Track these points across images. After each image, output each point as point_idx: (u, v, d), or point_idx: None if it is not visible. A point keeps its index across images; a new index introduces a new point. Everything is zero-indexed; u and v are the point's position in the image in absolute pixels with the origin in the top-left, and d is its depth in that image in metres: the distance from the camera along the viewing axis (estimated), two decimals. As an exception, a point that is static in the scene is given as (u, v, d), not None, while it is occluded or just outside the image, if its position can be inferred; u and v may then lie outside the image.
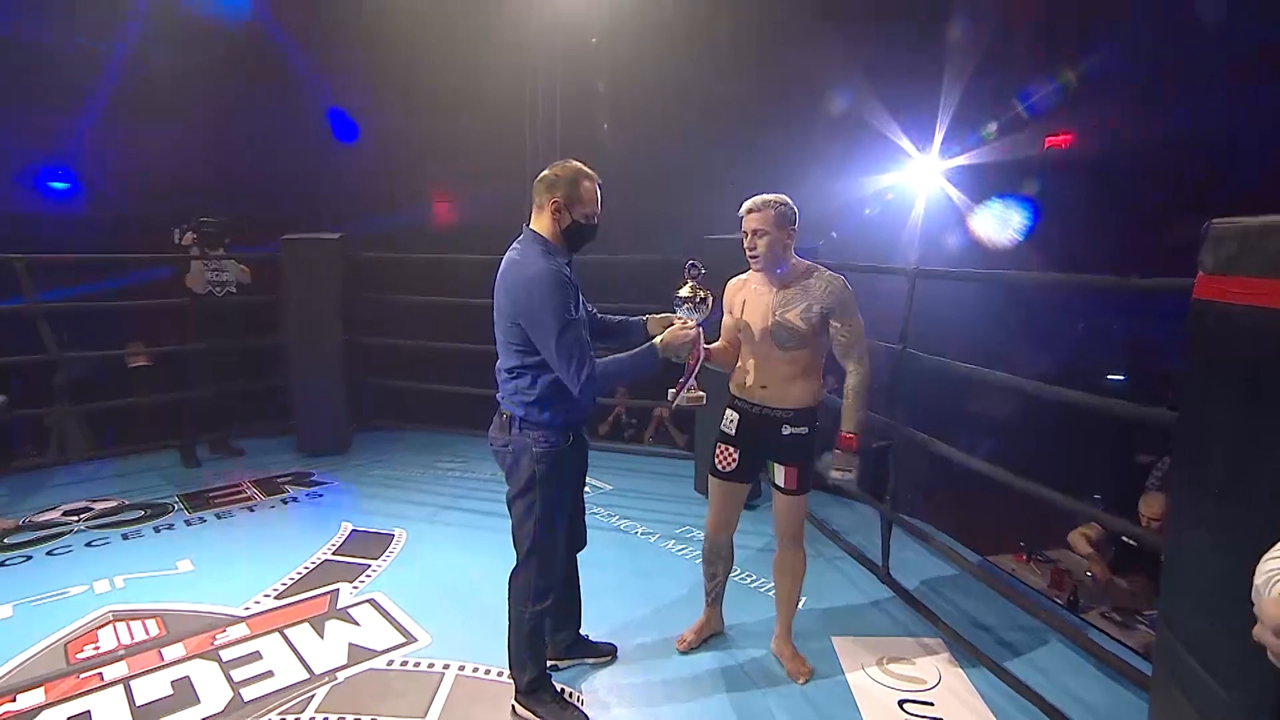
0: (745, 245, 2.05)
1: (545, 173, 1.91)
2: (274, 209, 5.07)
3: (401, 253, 5.03)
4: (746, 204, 2.05)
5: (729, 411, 2.22)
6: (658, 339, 1.94)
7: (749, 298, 2.15)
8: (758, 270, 2.10)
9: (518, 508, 1.95)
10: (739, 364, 2.19)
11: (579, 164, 1.91)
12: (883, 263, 3.50)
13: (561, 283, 1.79)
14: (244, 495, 3.80)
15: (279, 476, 4.10)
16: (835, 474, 2.04)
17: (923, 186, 5.33)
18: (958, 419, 4.47)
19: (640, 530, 3.40)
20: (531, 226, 1.91)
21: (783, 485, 2.13)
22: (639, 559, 3.08)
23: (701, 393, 2.02)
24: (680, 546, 3.23)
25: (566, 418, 1.92)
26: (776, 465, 2.13)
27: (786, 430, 2.09)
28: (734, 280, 2.23)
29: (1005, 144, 4.94)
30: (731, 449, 2.20)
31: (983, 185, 5.05)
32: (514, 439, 1.91)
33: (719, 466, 2.23)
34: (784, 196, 2.05)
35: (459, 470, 4.31)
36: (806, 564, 2.22)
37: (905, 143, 5.26)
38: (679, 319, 1.97)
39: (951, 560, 2.76)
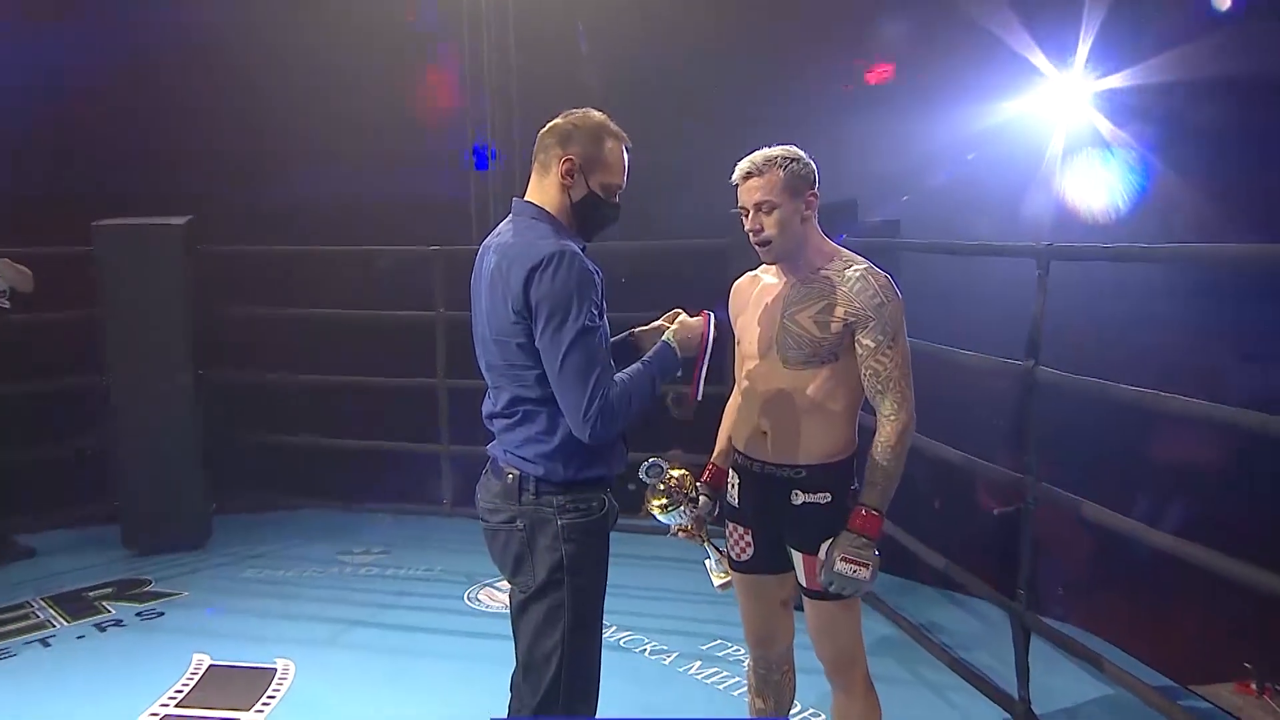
0: (747, 227, 2.10)
1: (556, 121, 1.98)
2: (82, 180, 5.10)
3: (285, 244, 5.09)
4: (742, 166, 2.09)
5: (731, 473, 2.27)
6: (669, 333, 2.02)
7: (754, 298, 2.21)
8: (771, 261, 2.15)
9: (534, 614, 1.95)
10: (739, 400, 2.23)
11: (602, 116, 1.98)
12: (995, 237, 3.59)
13: (585, 272, 1.85)
14: (33, 621, 3.78)
15: (93, 589, 4.09)
16: (841, 568, 2.00)
17: (1061, 119, 5.43)
18: (1129, 471, 4.53)
19: (649, 648, 3.44)
20: (529, 198, 1.98)
21: (805, 584, 2.14)
22: (649, 691, 3.11)
23: (729, 575, 2.20)
24: (710, 671, 3.26)
25: (604, 470, 1.97)
26: (794, 553, 2.14)
27: (798, 498, 2.10)
28: (742, 279, 2.30)
29: (1192, 55, 5.01)
30: (741, 529, 2.25)
31: (1153, 116, 5.15)
32: (525, 510, 1.94)
33: (733, 554, 2.27)
34: (794, 149, 2.09)
35: (375, 566, 4.37)
36: (880, 710, 2.19)
37: (1036, 56, 5.36)
38: (666, 488, 2.16)
39: (1131, 690, 2.74)
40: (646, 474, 2.14)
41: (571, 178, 1.93)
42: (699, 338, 2.04)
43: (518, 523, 1.95)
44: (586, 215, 1.97)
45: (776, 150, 2.08)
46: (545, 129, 1.98)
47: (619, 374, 1.91)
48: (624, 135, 2.00)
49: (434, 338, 4.59)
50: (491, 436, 2.05)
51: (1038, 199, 5.28)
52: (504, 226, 1.99)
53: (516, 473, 1.94)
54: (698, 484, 2.25)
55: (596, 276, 1.88)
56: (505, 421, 1.97)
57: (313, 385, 5.10)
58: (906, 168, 5.35)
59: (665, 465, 2.14)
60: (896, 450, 2.04)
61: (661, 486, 2.16)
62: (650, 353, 1.99)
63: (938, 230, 4.58)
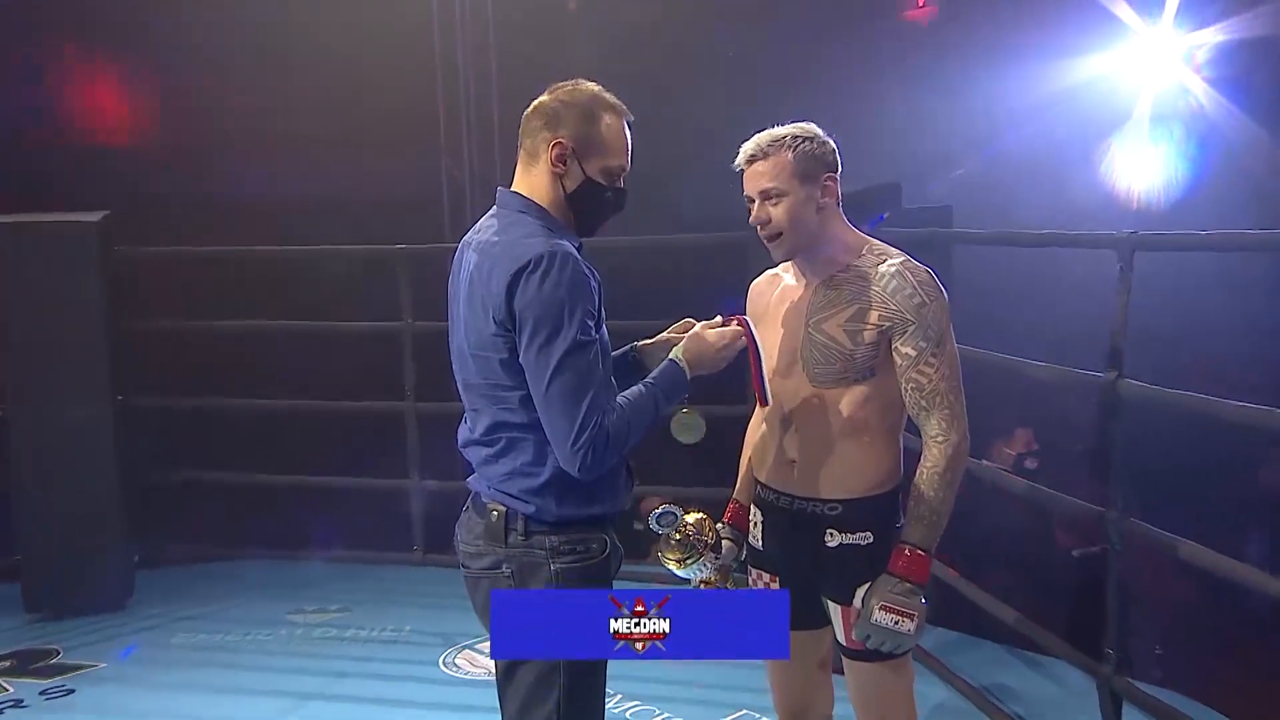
0: (753, 218, 2.13)
1: (542, 99, 1.99)
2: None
3: (223, 244, 5.09)
4: (745, 149, 2.12)
5: (753, 510, 2.30)
6: (678, 349, 2.01)
7: (774, 303, 2.24)
8: (782, 258, 2.17)
9: (523, 680, 1.95)
10: (759, 421, 2.26)
11: (595, 87, 2.00)
12: (1067, 224, 3.59)
13: (580, 276, 1.86)
14: (-91, 703, 3.73)
15: (-14, 662, 4.06)
16: (880, 618, 2.02)
17: (1147, 82, 5.44)
18: (1236, 504, 4.52)
19: (659, 722, 3.48)
20: (516, 189, 2.00)
21: (844, 642, 2.14)
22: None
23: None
24: (738, 753, 3.29)
25: (605, 507, 1.99)
26: (830, 605, 2.16)
27: (833, 539, 2.12)
28: (760, 279, 2.35)
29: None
30: (767, 576, 2.27)
31: (1254, 77, 5.15)
32: (513, 553, 1.95)
33: None
34: (808, 126, 2.12)
35: (332, 626, 4.33)
36: None
37: (1120, 6, 5.39)
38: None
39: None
40: (658, 523, 2.11)
41: (564, 164, 1.95)
42: (714, 354, 2.03)
43: (503, 568, 1.95)
44: (585, 206, 1.99)
45: (785, 129, 2.10)
46: (530, 109, 2.00)
47: (619, 399, 1.91)
48: (623, 108, 2.01)
49: (401, 353, 4.60)
50: (470, 468, 2.06)
51: (1118, 176, 5.28)
52: (486, 221, 2.01)
53: (502, 509, 1.96)
54: (718, 525, 2.24)
55: (593, 281, 1.89)
56: (486, 451, 1.98)
57: (256, 412, 5.10)
58: (962, 144, 5.37)
59: (679, 512, 2.12)
60: (946, 478, 2.04)
61: (677, 537, 2.13)
62: (655, 372, 1.99)
63: (997, 217, 4.59)
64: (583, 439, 1.83)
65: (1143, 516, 2.89)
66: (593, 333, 1.87)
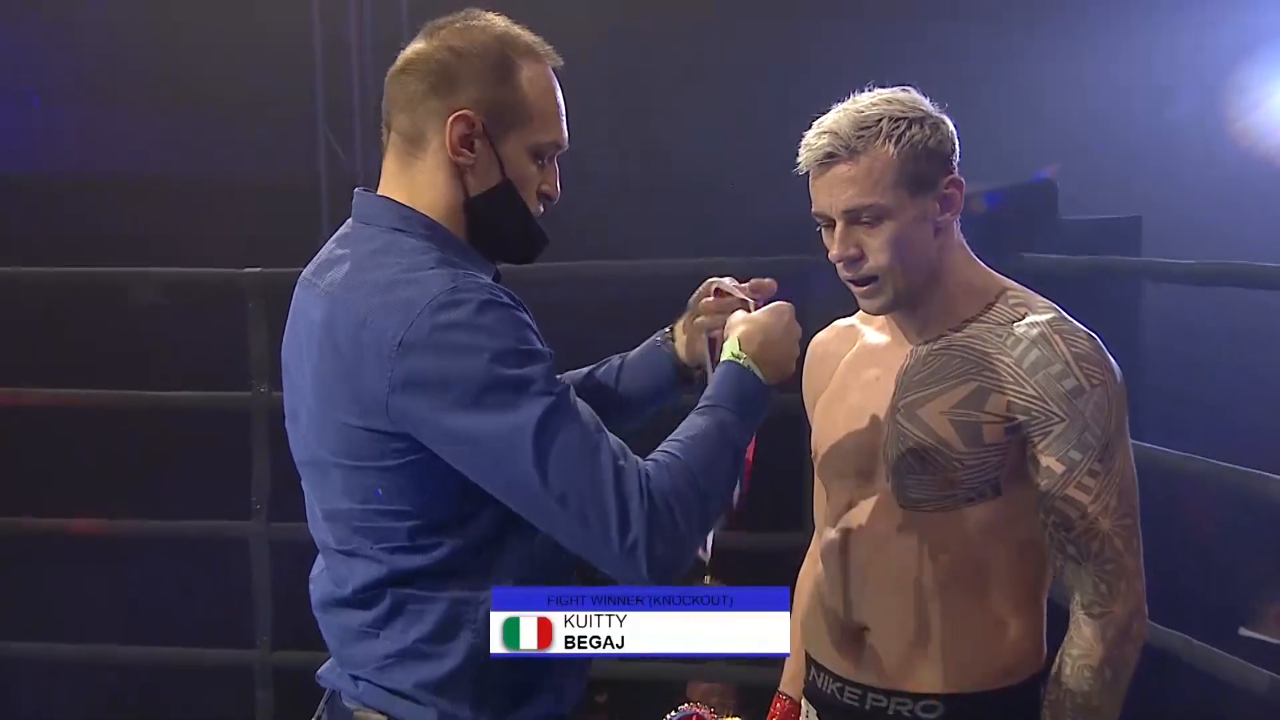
0: (834, 254, 2.12)
1: (419, 47, 1.98)
2: None
3: None
4: (815, 143, 2.08)
5: (804, 707, 2.38)
6: (732, 345, 2.01)
7: (844, 371, 2.32)
8: (880, 311, 2.19)
9: None
10: (817, 565, 2.34)
11: (501, 22, 2.00)
12: None
13: (505, 312, 1.84)
14: None
15: None
16: None
17: None
18: None
19: None
20: (387, 192, 2.02)
21: None
22: None
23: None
24: None
25: (554, 700, 2.04)
26: None
27: None
28: (825, 335, 2.43)
29: None
30: None
31: None
32: None
33: None
34: (909, 97, 2.10)
35: None
36: None
37: None
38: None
39: None
40: None
41: (470, 150, 1.95)
42: (783, 340, 2.04)
43: None
44: (501, 215, 2.02)
45: (876, 105, 2.09)
46: (399, 65, 2.01)
47: (662, 447, 1.90)
48: (545, 47, 2.02)
49: (249, 440, 4.66)
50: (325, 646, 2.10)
51: None
52: (332, 248, 2.04)
53: (382, 719, 2.00)
54: None
55: (527, 317, 1.89)
56: (358, 618, 2.01)
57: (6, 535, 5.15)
58: (1156, 118, 5.52)
59: (706, 714, 2.23)
60: (1105, 675, 2.10)
61: None
62: (712, 388, 2.00)
63: (1222, 236, 4.70)
64: (633, 521, 1.81)
65: None
66: (558, 385, 1.86)
